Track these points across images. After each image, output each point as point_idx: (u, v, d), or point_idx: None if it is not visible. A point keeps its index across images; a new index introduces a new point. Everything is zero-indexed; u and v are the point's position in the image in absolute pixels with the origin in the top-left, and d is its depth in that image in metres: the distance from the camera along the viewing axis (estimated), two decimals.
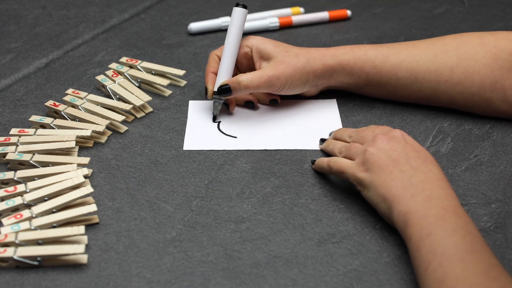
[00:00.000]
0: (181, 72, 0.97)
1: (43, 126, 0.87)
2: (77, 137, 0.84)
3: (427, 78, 0.85)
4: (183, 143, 0.86)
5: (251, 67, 0.90)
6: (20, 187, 0.75)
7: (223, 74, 0.87)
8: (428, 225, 0.64)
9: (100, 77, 0.96)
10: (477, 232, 0.64)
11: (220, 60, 0.89)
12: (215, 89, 0.87)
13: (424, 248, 0.63)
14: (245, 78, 0.85)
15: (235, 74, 0.90)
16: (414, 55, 0.85)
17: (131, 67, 0.99)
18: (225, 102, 0.89)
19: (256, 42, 0.88)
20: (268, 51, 0.87)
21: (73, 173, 0.78)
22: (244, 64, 0.91)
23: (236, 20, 0.88)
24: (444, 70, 0.84)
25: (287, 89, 0.86)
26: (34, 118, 0.87)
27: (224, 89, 0.86)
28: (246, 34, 1.12)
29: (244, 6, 0.88)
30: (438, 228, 0.64)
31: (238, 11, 0.88)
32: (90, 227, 0.73)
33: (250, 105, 0.91)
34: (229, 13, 1.16)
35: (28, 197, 0.74)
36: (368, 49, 0.87)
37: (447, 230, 0.64)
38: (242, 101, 0.91)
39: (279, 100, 0.91)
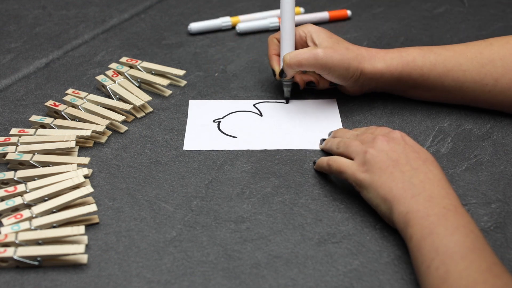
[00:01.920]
0: (181, 72, 0.97)
1: (43, 126, 0.87)
2: (77, 137, 0.84)
3: (472, 87, 0.86)
4: (183, 143, 0.86)
5: None
6: (20, 187, 0.75)
7: (284, 53, 0.89)
8: (430, 224, 0.64)
9: (100, 77, 0.96)
10: (478, 231, 0.65)
11: (279, 42, 0.91)
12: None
13: (426, 247, 0.63)
14: (287, 55, 0.86)
15: None
16: (461, 64, 0.85)
17: (131, 67, 0.99)
18: (295, 81, 0.92)
19: (312, 29, 0.89)
20: (321, 39, 0.87)
21: (73, 173, 0.78)
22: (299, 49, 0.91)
23: (287, 5, 0.89)
24: (489, 81, 0.85)
25: (330, 73, 0.86)
26: (34, 118, 0.87)
27: (280, 72, 0.89)
28: (247, 33, 1.12)
29: None
30: (440, 227, 0.64)
31: None
32: (90, 227, 0.73)
33: (312, 85, 0.92)
34: (229, 13, 1.17)
35: (28, 197, 0.74)
36: (416, 54, 0.86)
37: (449, 228, 0.64)
38: (303, 82, 0.92)
39: (317, 83, 0.92)
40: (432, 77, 0.86)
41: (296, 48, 0.91)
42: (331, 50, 0.85)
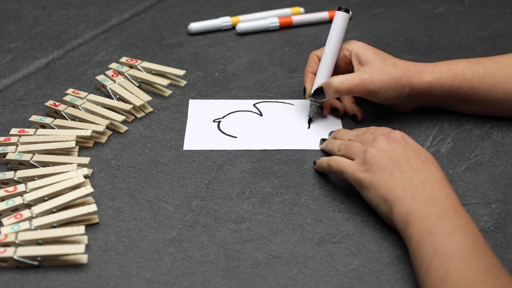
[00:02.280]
0: (181, 72, 0.97)
1: (43, 126, 0.87)
2: (77, 137, 0.84)
3: None
4: (183, 143, 0.86)
5: (350, 71, 0.88)
6: (20, 187, 0.75)
7: (321, 76, 0.87)
8: (430, 225, 0.64)
9: (100, 77, 0.96)
10: (478, 231, 0.64)
11: (319, 60, 0.89)
12: (312, 91, 0.87)
13: (426, 247, 0.63)
14: (336, 80, 0.83)
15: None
16: (510, 76, 0.84)
17: (131, 67, 0.99)
18: (321, 106, 0.89)
19: (356, 46, 0.86)
20: (367, 57, 0.85)
21: (73, 173, 0.78)
22: (342, 68, 0.89)
23: (338, 24, 0.87)
24: None
25: (380, 96, 0.83)
26: (34, 118, 0.87)
27: (317, 91, 0.85)
28: (247, 33, 1.12)
29: (347, 10, 0.87)
30: (440, 227, 0.64)
31: (340, 15, 0.87)
32: (90, 227, 0.73)
33: (335, 113, 0.90)
34: (229, 13, 1.17)
35: (28, 197, 0.74)
36: (465, 67, 0.85)
37: (448, 229, 0.64)
38: (331, 106, 0.90)
39: (361, 117, 0.89)
40: (482, 89, 0.84)
41: (338, 67, 0.89)
42: (379, 72, 0.83)
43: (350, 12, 0.87)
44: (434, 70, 0.85)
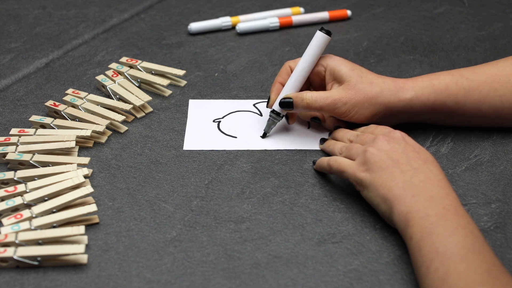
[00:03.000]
0: (181, 72, 0.97)
1: (43, 126, 0.87)
2: (77, 137, 0.84)
3: (511, 114, 0.82)
4: (183, 143, 0.86)
5: (323, 86, 0.86)
6: (20, 187, 0.75)
7: (289, 87, 0.84)
8: (430, 225, 0.64)
9: (100, 77, 0.96)
10: (478, 231, 0.64)
11: (291, 72, 0.85)
12: (279, 100, 0.84)
13: (426, 248, 0.63)
14: (309, 96, 0.81)
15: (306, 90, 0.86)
16: (496, 89, 0.81)
17: (131, 67, 0.99)
18: (286, 115, 0.86)
19: (332, 62, 0.83)
20: (342, 73, 0.82)
21: (73, 173, 0.78)
22: (316, 83, 0.86)
23: (315, 44, 0.83)
24: None
25: (351, 116, 0.81)
26: (34, 118, 0.87)
27: (286, 103, 0.82)
28: (247, 33, 1.12)
29: (328, 33, 0.83)
30: (440, 227, 0.64)
31: (319, 36, 0.83)
32: (90, 227, 0.73)
33: (316, 121, 0.86)
34: (229, 13, 1.17)
35: (28, 197, 0.74)
36: (448, 81, 0.81)
37: (448, 229, 0.64)
38: (309, 117, 0.87)
39: (323, 120, 0.86)
40: (468, 104, 0.81)
41: (312, 81, 0.86)
42: (353, 92, 0.80)
43: (332, 35, 0.84)
44: (414, 87, 0.81)
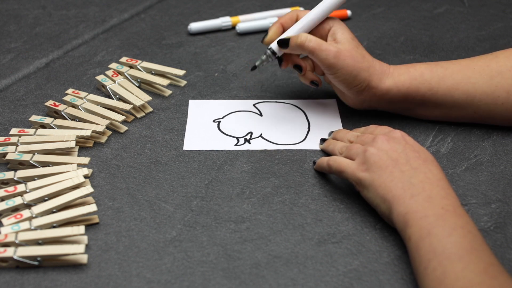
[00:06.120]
0: (181, 72, 0.97)
1: (43, 126, 0.87)
2: (77, 137, 0.84)
3: (484, 100, 0.83)
4: (183, 143, 0.86)
5: None
6: (20, 187, 0.75)
7: (293, 30, 0.85)
8: (428, 225, 0.64)
9: (100, 77, 0.96)
10: (477, 231, 0.64)
11: (296, 20, 0.86)
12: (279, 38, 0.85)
13: (424, 248, 0.63)
14: (305, 36, 0.82)
15: None
16: (469, 77, 0.83)
17: (131, 67, 0.99)
18: (280, 57, 0.87)
19: (337, 25, 0.85)
20: (343, 37, 0.83)
21: (73, 173, 0.78)
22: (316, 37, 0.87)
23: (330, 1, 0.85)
24: (501, 93, 0.82)
25: (335, 73, 0.83)
26: (34, 118, 0.87)
27: (283, 41, 0.84)
28: (247, 33, 1.12)
29: None
30: (438, 228, 0.64)
31: None
32: (90, 227, 0.73)
33: (297, 68, 0.87)
34: (229, 13, 1.17)
35: (28, 197, 0.74)
36: (424, 69, 0.84)
37: (446, 229, 0.64)
38: (293, 62, 0.87)
39: (320, 84, 0.88)
40: (441, 90, 0.83)
41: (313, 35, 0.86)
42: (347, 54, 0.82)
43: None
44: (393, 74, 0.84)
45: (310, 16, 0.85)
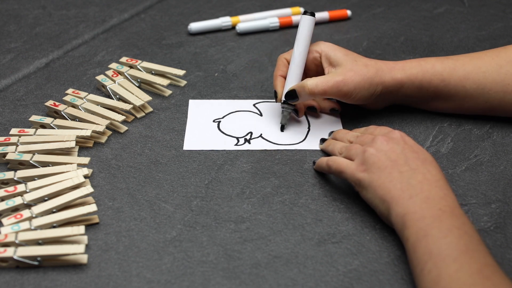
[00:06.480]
0: (181, 72, 0.97)
1: (43, 126, 0.87)
2: (77, 137, 0.84)
3: (494, 89, 0.84)
4: (183, 143, 0.86)
5: (320, 73, 0.88)
6: (20, 187, 0.75)
7: (292, 79, 0.86)
8: (425, 226, 0.64)
9: (100, 77, 0.96)
10: (474, 232, 0.64)
11: (288, 64, 0.88)
12: (284, 93, 0.86)
13: (421, 249, 0.63)
14: (310, 82, 0.83)
15: (303, 79, 0.88)
16: (479, 66, 0.85)
17: (131, 67, 0.99)
18: (295, 109, 0.88)
19: (326, 48, 0.86)
20: (338, 58, 0.84)
21: (73, 173, 0.78)
22: (312, 70, 0.89)
23: (304, 27, 0.87)
24: (511, 81, 0.84)
25: (354, 97, 0.84)
26: (34, 118, 0.87)
27: (291, 94, 0.84)
28: (247, 33, 1.12)
29: (312, 14, 0.87)
30: (434, 229, 0.64)
31: (306, 19, 0.87)
32: (90, 227, 0.73)
33: (312, 110, 0.90)
34: (229, 13, 1.17)
35: (28, 197, 0.74)
36: (434, 62, 0.86)
37: (442, 230, 0.64)
38: (305, 106, 0.90)
39: (340, 109, 0.90)
40: (453, 81, 0.84)
41: (308, 69, 0.88)
42: (352, 73, 0.83)
43: (316, 15, 0.88)
44: (404, 67, 0.85)
45: (296, 54, 0.86)
